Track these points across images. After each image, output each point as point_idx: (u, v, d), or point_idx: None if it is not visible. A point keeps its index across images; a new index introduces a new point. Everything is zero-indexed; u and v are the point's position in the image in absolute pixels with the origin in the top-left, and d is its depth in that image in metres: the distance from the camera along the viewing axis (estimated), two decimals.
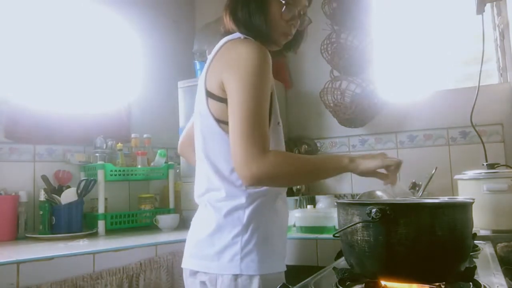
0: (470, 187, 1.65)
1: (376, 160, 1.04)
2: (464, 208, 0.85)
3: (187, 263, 1.12)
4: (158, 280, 1.63)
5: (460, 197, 1.64)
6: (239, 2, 1.11)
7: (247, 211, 1.04)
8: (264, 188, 1.06)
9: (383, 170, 1.07)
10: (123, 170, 2.10)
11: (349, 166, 1.03)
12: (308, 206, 1.97)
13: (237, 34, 1.09)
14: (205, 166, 1.09)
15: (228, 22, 1.14)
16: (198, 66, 2.42)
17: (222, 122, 1.04)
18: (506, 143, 2.16)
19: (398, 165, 1.06)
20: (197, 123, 1.13)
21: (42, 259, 1.34)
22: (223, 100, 1.03)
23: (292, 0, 1.11)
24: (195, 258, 1.09)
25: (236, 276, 1.01)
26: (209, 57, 1.10)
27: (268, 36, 1.11)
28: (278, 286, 0.81)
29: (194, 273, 1.09)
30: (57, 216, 1.86)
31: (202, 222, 1.10)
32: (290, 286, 0.83)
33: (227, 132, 1.00)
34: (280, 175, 0.98)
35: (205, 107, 1.06)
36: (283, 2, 1.09)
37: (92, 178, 1.97)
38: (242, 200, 1.04)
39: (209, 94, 1.05)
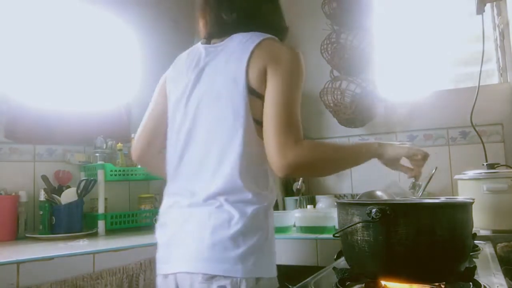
0: (470, 187, 1.65)
1: (403, 147, 1.08)
2: (464, 208, 0.85)
3: (200, 268, 0.97)
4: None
5: (460, 197, 1.65)
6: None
7: (268, 214, 1.04)
8: (273, 188, 1.08)
9: (407, 163, 1.11)
10: (123, 170, 2.10)
11: (378, 151, 1.07)
12: (308, 206, 1.97)
13: (267, 35, 1.07)
14: (225, 165, 1.01)
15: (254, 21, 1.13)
16: None
17: (256, 122, 1.02)
18: (506, 143, 2.16)
19: (425, 156, 1.10)
20: (206, 115, 1.06)
21: (42, 259, 1.34)
22: (261, 96, 1.02)
23: None
24: (211, 261, 0.97)
25: (258, 280, 0.97)
26: (241, 55, 1.04)
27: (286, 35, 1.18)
28: (278, 286, 0.81)
29: (210, 278, 0.96)
30: (57, 216, 1.86)
31: (219, 223, 0.99)
32: (290, 286, 0.83)
33: (258, 131, 1.02)
34: (315, 162, 1.00)
35: (244, 104, 1.01)
36: None
37: (92, 178, 1.97)
38: (265, 203, 1.03)
39: (251, 91, 1.02)
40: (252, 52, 1.02)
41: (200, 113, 1.07)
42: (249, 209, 0.99)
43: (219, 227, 0.98)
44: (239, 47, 1.05)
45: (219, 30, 1.12)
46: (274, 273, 1.02)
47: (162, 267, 1.06)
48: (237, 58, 1.03)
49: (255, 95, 1.01)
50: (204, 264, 0.97)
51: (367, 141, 2.45)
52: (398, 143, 1.11)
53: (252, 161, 1.02)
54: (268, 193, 1.06)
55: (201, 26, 1.18)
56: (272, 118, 0.97)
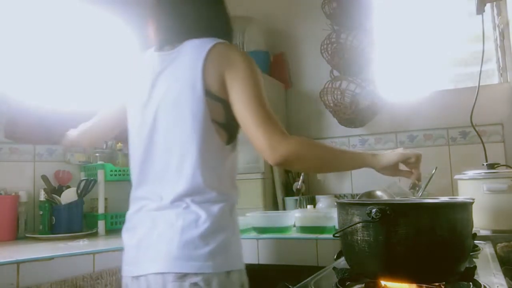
0: (470, 187, 1.65)
1: (395, 154, 1.11)
2: (464, 208, 0.85)
3: (168, 267, 1.00)
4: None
5: (460, 197, 1.65)
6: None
7: (232, 211, 1.10)
8: (236, 185, 1.14)
9: (403, 167, 1.14)
10: (123, 170, 2.10)
11: (371, 161, 1.09)
12: (308, 206, 1.97)
13: (217, 40, 1.11)
14: (187, 166, 1.06)
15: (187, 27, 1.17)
16: None
17: (216, 123, 1.07)
18: (506, 143, 2.16)
19: (418, 157, 1.14)
20: (165, 120, 1.10)
21: (42, 259, 1.34)
22: (219, 99, 1.06)
23: None
24: (181, 260, 1.00)
25: (228, 273, 1.02)
26: (195, 58, 1.08)
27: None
28: (278, 286, 0.81)
29: (182, 276, 1.00)
30: (57, 216, 1.86)
31: (186, 224, 1.02)
32: (290, 286, 0.83)
33: (218, 132, 1.07)
34: (308, 156, 1.04)
35: (202, 106, 1.05)
36: None
37: (92, 178, 1.97)
38: (229, 199, 1.09)
39: (208, 94, 1.05)
40: (206, 58, 1.06)
41: (159, 119, 1.10)
42: (215, 208, 1.05)
43: (187, 227, 1.02)
44: (193, 53, 1.09)
45: (170, 37, 1.15)
46: (242, 265, 1.08)
47: (131, 270, 1.08)
48: (192, 64, 1.07)
49: (214, 99, 1.06)
50: (175, 263, 1.00)
51: (366, 141, 2.45)
52: (389, 151, 1.14)
53: (214, 161, 1.07)
54: (232, 192, 1.12)
55: (152, 33, 1.21)
56: (252, 117, 1.02)
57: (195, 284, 0.99)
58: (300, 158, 1.02)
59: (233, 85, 1.05)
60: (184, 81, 1.07)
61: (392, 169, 1.12)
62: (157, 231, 1.05)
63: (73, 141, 1.51)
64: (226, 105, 1.07)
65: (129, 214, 1.15)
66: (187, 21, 1.16)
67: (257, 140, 1.01)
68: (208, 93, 1.05)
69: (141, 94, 1.15)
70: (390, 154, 1.11)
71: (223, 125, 1.08)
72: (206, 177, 1.05)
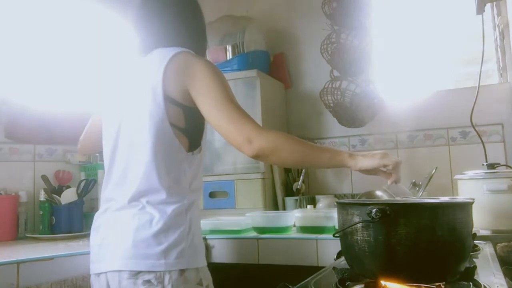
0: (470, 187, 1.65)
1: (374, 159, 1.11)
2: (464, 208, 0.85)
3: (126, 265, 1.07)
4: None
5: (460, 197, 1.65)
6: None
7: (189, 211, 1.13)
8: (194, 187, 1.17)
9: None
10: None
11: (348, 162, 1.10)
12: (308, 206, 1.96)
13: (180, 49, 1.18)
14: (146, 167, 1.11)
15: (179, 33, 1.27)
16: None
17: (175, 127, 1.12)
18: (506, 143, 2.16)
19: (396, 164, 1.13)
20: (129, 122, 1.17)
21: (42, 259, 1.34)
22: (180, 105, 1.13)
23: None
24: (135, 259, 1.06)
25: (183, 271, 1.07)
26: (155, 64, 1.15)
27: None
28: (278, 286, 0.81)
29: (136, 274, 1.06)
30: (57, 216, 1.86)
31: (142, 224, 1.08)
32: (290, 286, 0.83)
33: (177, 136, 1.12)
34: (284, 149, 1.07)
35: (160, 110, 1.11)
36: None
37: (92, 178, 1.97)
38: (185, 200, 1.13)
39: (168, 98, 1.11)
40: (167, 65, 1.12)
41: (124, 121, 1.18)
42: (169, 209, 1.10)
43: (142, 227, 1.08)
44: (157, 59, 1.15)
45: (142, 48, 1.25)
46: (200, 263, 1.12)
47: (95, 267, 1.16)
48: (155, 69, 1.13)
49: (174, 103, 1.12)
50: (130, 261, 1.07)
51: (366, 141, 2.45)
52: (371, 152, 1.14)
53: (171, 164, 1.12)
54: (190, 192, 1.16)
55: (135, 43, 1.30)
56: (224, 116, 1.07)
57: (148, 281, 1.05)
58: (277, 150, 1.06)
59: (199, 93, 1.11)
60: (147, 85, 1.14)
61: (369, 172, 1.14)
62: (115, 231, 1.12)
63: (79, 150, 1.56)
64: (187, 111, 1.13)
65: (96, 214, 1.22)
66: (157, 33, 1.24)
67: (232, 136, 1.06)
68: (167, 98, 1.11)
69: (113, 97, 1.25)
70: (369, 159, 1.11)
71: (183, 130, 1.14)
72: (161, 179, 1.10)
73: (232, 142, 1.07)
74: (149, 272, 1.05)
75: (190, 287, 1.08)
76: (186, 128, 1.14)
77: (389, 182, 1.16)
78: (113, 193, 1.17)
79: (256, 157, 1.07)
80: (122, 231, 1.10)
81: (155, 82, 1.12)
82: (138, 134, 1.14)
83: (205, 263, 1.16)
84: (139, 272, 1.05)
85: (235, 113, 1.07)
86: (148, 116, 1.12)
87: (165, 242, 1.06)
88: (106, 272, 1.10)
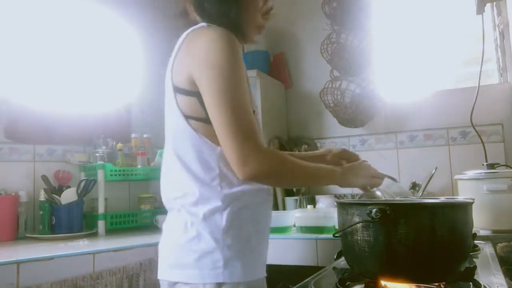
0: (470, 187, 1.65)
1: (364, 178, 1.12)
2: (464, 208, 0.85)
3: (165, 274, 1.01)
4: (158, 280, 1.63)
5: (460, 197, 1.65)
6: None
7: (225, 214, 0.96)
8: (241, 188, 0.98)
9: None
10: (123, 170, 2.10)
11: (342, 181, 1.08)
12: (308, 206, 1.97)
13: (201, 24, 1.01)
14: (177, 167, 1.01)
15: (192, 12, 1.07)
16: None
17: (191, 118, 0.97)
18: (506, 143, 2.16)
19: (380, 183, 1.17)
20: (166, 123, 1.06)
21: (42, 259, 1.34)
22: (192, 93, 0.96)
23: None
24: (173, 268, 0.98)
25: (220, 285, 0.93)
26: (173, 52, 1.03)
27: (243, 29, 1.03)
28: (278, 286, 0.81)
29: (173, 284, 0.98)
30: (57, 216, 1.86)
31: (178, 229, 0.99)
32: (290, 286, 0.83)
33: (195, 129, 0.97)
34: (278, 175, 0.97)
35: (173, 103, 0.99)
36: None
37: (92, 178, 1.97)
38: (218, 202, 0.96)
39: (177, 89, 0.98)
40: (176, 53, 1.01)
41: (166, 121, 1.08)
42: (201, 212, 0.96)
43: (178, 232, 0.99)
44: (176, 45, 1.03)
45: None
46: (241, 278, 0.95)
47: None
48: (171, 58, 1.03)
49: (183, 93, 0.98)
50: (167, 270, 1.00)
51: (366, 141, 2.45)
52: (354, 165, 1.14)
53: (198, 159, 0.97)
54: (227, 192, 0.97)
55: None
56: (221, 124, 0.91)
57: None
58: (271, 176, 0.95)
59: (200, 83, 0.94)
60: (167, 78, 1.03)
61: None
62: (162, 236, 1.06)
63: None
64: (201, 98, 0.95)
65: None
66: (196, 12, 1.06)
67: (227, 151, 0.92)
68: (176, 88, 0.99)
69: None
70: (360, 179, 1.12)
71: (205, 120, 0.96)
72: (190, 179, 0.98)
73: (227, 158, 0.92)
74: (185, 283, 0.95)
75: None
76: (207, 118, 0.95)
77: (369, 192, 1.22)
78: (162, 197, 1.11)
79: (248, 181, 0.96)
80: (163, 237, 1.05)
81: (168, 73, 1.01)
82: (166, 133, 1.06)
83: (255, 277, 0.98)
84: (176, 283, 0.97)
85: (235, 123, 0.90)
86: (167, 112, 1.03)
87: (197, 251, 0.95)
88: (160, 279, 1.04)
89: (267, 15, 1.07)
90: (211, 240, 0.94)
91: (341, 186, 1.10)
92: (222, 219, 0.96)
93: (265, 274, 1.02)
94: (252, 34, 1.07)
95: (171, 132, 1.03)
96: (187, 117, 0.97)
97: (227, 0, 1.00)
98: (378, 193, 1.84)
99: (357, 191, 2.38)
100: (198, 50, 0.95)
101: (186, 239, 0.97)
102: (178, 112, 0.98)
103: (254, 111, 1.00)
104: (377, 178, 1.15)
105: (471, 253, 1.10)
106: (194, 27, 1.00)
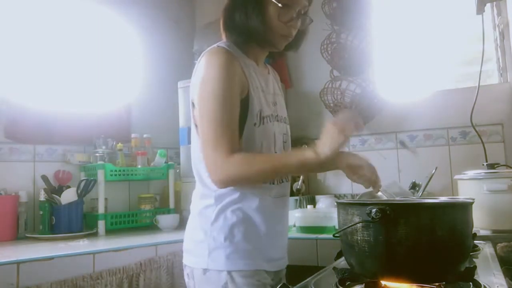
0: (470, 187, 1.65)
1: (334, 137, 0.99)
2: (464, 208, 0.85)
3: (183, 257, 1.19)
4: (158, 280, 1.63)
5: (460, 197, 1.65)
6: (236, 4, 1.12)
7: (215, 211, 1.09)
8: (231, 190, 1.09)
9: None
10: (123, 170, 2.10)
11: (315, 159, 0.99)
12: (308, 206, 1.97)
13: (217, 43, 1.13)
14: (192, 167, 1.17)
15: (222, 27, 1.17)
16: None
17: (197, 126, 1.12)
18: (506, 143, 2.16)
19: (371, 172, 1.01)
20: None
21: (42, 259, 1.35)
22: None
23: (290, 2, 1.10)
24: (184, 252, 1.17)
25: (205, 271, 1.07)
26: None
27: (266, 38, 1.12)
28: (278, 286, 0.81)
29: (184, 266, 1.16)
30: (57, 216, 1.86)
31: (189, 221, 1.19)
32: (290, 286, 0.83)
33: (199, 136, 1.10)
34: (242, 177, 1.04)
35: (191, 115, 1.14)
36: (280, 5, 1.09)
37: (92, 178, 1.97)
38: (212, 200, 1.10)
39: (192, 103, 1.13)
40: (196, 67, 1.14)
41: None
42: (199, 206, 1.13)
43: (188, 222, 1.18)
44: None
45: None
46: (224, 266, 1.06)
47: None
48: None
49: (193, 106, 1.12)
50: (183, 254, 1.17)
51: (366, 141, 2.44)
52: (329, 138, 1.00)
53: (201, 162, 1.09)
54: (218, 192, 1.09)
55: None
56: (201, 139, 1.06)
57: (187, 275, 1.14)
58: (242, 178, 1.04)
59: (196, 102, 1.09)
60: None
61: (349, 171, 1.02)
62: None
63: None
64: None
65: None
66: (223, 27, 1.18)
67: (205, 161, 1.05)
68: (192, 103, 1.12)
69: None
70: (331, 142, 0.98)
71: None
72: (197, 176, 1.15)
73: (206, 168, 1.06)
74: (187, 266, 1.13)
75: None
76: None
77: (373, 190, 1.06)
78: None
79: (221, 187, 1.07)
80: None
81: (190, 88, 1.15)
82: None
83: (239, 268, 1.06)
84: (185, 265, 1.15)
85: (211, 133, 1.03)
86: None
87: (194, 239, 1.12)
88: None
89: (290, 22, 1.11)
90: (201, 231, 1.10)
91: (318, 160, 0.99)
92: (212, 215, 1.10)
93: (262, 267, 1.09)
94: (279, 42, 1.15)
95: (192, 137, 1.17)
96: (196, 126, 1.12)
97: (253, 14, 1.09)
98: (379, 193, 1.84)
99: (357, 191, 2.38)
100: (198, 71, 1.10)
101: (189, 228, 1.16)
102: (192, 121, 1.14)
103: (255, 124, 1.10)
104: (345, 129, 0.99)
105: (471, 253, 1.10)
106: (208, 49, 1.12)
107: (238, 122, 1.06)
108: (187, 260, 1.14)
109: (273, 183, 1.14)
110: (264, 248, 1.11)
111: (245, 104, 1.09)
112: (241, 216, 1.09)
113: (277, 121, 1.19)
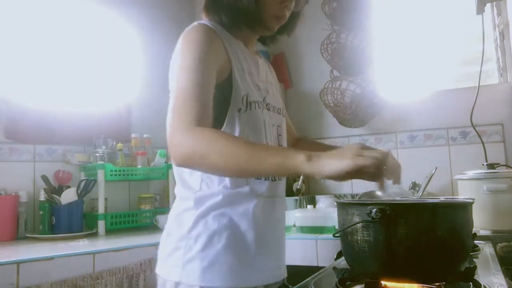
0: (470, 187, 1.65)
1: (344, 159, 0.75)
2: (464, 208, 0.85)
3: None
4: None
5: (460, 197, 1.65)
6: None
7: (194, 215, 0.94)
8: (217, 191, 0.95)
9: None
10: (123, 170, 2.10)
11: (306, 167, 0.75)
12: (308, 206, 1.97)
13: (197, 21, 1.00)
14: None
15: (205, 7, 1.06)
16: None
17: None
18: (506, 143, 2.17)
19: (378, 163, 0.74)
20: None
21: (42, 259, 1.34)
22: None
23: None
24: (158, 259, 1.02)
25: (177, 284, 0.92)
26: None
27: (258, 19, 1.01)
28: (278, 286, 0.80)
29: (157, 276, 1.01)
30: (57, 216, 1.86)
31: (167, 222, 1.05)
32: (290, 286, 0.83)
33: None
34: (203, 154, 0.80)
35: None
36: None
37: (92, 178, 1.97)
38: (191, 203, 0.95)
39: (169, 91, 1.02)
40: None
41: None
42: (175, 209, 1.01)
43: (166, 224, 1.04)
44: None
45: None
46: (197, 281, 0.91)
47: None
48: None
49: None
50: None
51: (366, 141, 2.44)
52: (342, 148, 0.83)
53: None
54: (199, 192, 0.96)
55: None
56: (170, 103, 0.91)
57: (160, 285, 0.99)
58: (201, 156, 0.80)
59: None
60: None
61: (341, 178, 0.79)
62: None
63: None
64: None
65: None
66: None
67: (167, 131, 0.88)
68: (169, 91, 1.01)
69: None
70: (338, 161, 0.76)
71: None
72: (178, 177, 1.02)
73: None
74: (158, 276, 0.99)
75: None
76: None
77: (377, 187, 0.81)
78: None
79: (180, 166, 0.88)
80: None
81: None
82: None
83: (216, 284, 0.91)
84: (157, 275, 1.00)
85: (178, 102, 0.86)
86: None
87: (167, 247, 0.98)
88: None
89: (284, 3, 1.02)
90: (176, 238, 0.96)
91: (310, 173, 0.77)
92: (190, 220, 0.95)
93: (245, 284, 0.94)
94: (271, 24, 1.04)
95: None
96: None
97: None
98: (379, 193, 1.84)
99: (357, 191, 2.38)
100: (177, 44, 0.98)
101: (165, 235, 1.02)
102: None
103: (240, 110, 0.96)
104: (365, 157, 0.74)
105: (471, 253, 1.10)
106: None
107: (211, 99, 0.88)
108: (159, 269, 0.99)
109: (266, 179, 0.99)
110: (252, 259, 0.96)
111: (227, 87, 0.95)
112: (223, 223, 0.94)
113: (268, 109, 1.03)
